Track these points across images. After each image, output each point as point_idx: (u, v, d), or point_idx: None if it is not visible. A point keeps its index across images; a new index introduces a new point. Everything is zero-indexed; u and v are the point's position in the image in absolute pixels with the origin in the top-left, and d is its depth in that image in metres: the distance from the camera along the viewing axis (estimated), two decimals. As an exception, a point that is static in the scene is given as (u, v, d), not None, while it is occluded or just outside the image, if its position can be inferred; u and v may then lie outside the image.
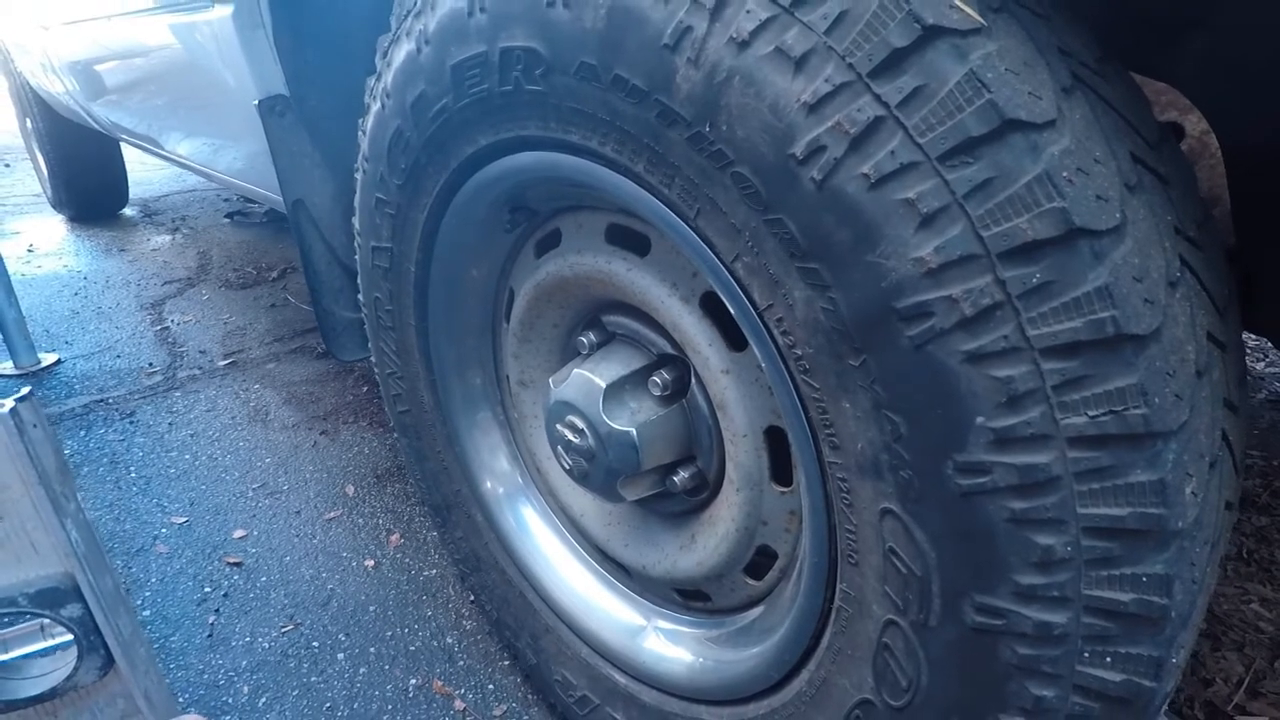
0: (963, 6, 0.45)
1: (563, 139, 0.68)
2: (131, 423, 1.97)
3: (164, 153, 2.23)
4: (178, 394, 2.11)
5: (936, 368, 0.47)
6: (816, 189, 0.49)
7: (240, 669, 1.22)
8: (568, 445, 0.86)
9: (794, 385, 0.58)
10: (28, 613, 0.36)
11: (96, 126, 2.75)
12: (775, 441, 0.74)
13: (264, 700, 1.16)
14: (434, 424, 1.09)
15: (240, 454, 1.82)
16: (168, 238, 3.51)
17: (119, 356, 2.33)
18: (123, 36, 1.82)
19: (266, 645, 1.27)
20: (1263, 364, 2.11)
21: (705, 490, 0.86)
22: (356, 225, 1.01)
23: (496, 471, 1.08)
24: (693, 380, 0.81)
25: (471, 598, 1.34)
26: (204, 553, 1.49)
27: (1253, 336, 2.06)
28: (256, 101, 1.13)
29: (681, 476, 0.84)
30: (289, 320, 2.57)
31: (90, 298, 2.79)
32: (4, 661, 0.36)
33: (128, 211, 3.90)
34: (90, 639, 0.37)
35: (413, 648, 1.25)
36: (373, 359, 1.14)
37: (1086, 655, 0.47)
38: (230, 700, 1.16)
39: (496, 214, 0.88)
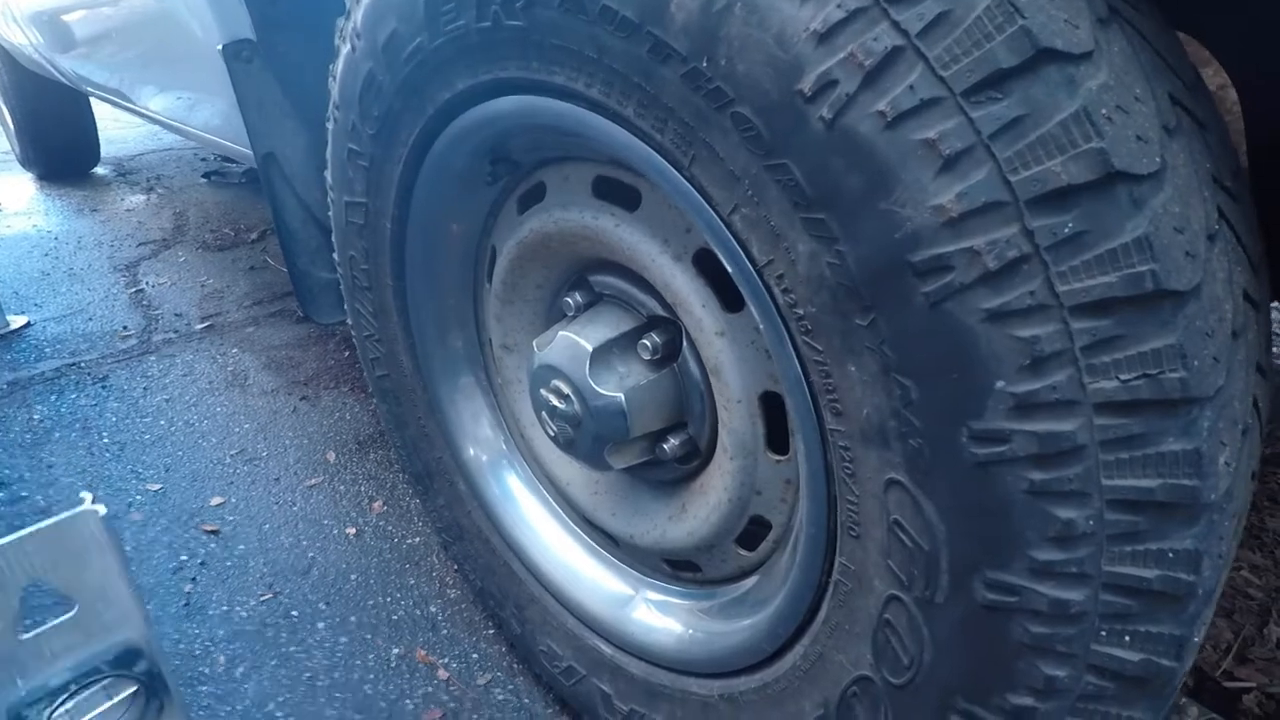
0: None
1: (546, 80, 0.63)
2: (104, 387, 1.91)
3: (134, 107, 2.12)
4: (153, 358, 2.05)
5: (954, 327, 0.43)
6: (826, 129, 0.44)
7: (217, 639, 1.19)
8: (553, 411, 0.82)
9: (794, 347, 0.54)
10: (109, 675, 0.41)
11: (63, 80, 2.63)
12: (771, 408, 0.70)
13: (241, 670, 1.14)
14: (414, 389, 1.04)
15: (218, 420, 1.77)
16: (142, 197, 3.40)
17: (91, 319, 2.26)
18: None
19: (244, 614, 1.23)
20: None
21: (697, 458, 0.82)
22: (329, 179, 0.95)
23: (479, 438, 1.04)
24: (684, 343, 0.77)
25: (455, 566, 1.31)
26: (180, 520, 1.45)
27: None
28: (220, 46, 1.06)
29: (672, 444, 0.81)
30: (268, 283, 2.50)
31: (61, 259, 2.70)
32: None
33: (100, 170, 3.77)
34: (155, 685, 0.43)
35: (395, 616, 1.23)
36: (349, 321, 1.09)
37: (1104, 634, 0.45)
38: (207, 670, 1.14)
39: (477, 165, 0.82)
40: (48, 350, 2.09)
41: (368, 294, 1.01)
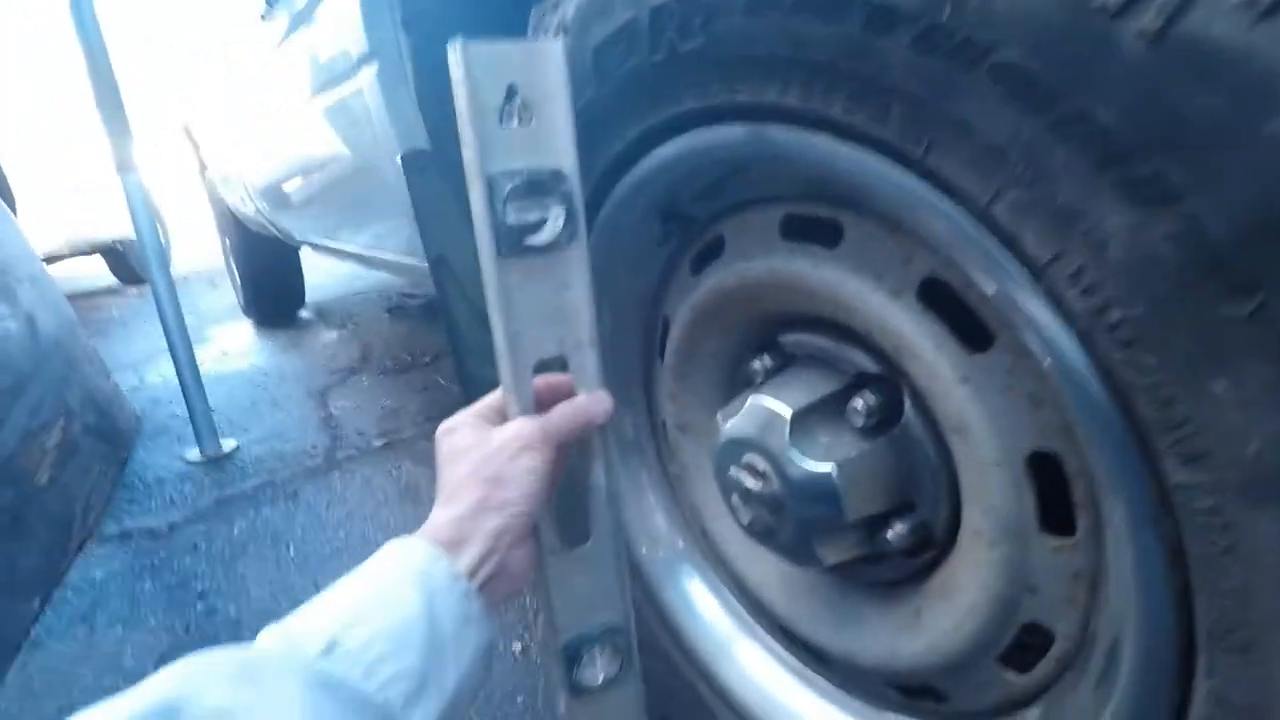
0: None
1: (728, 102, 0.56)
2: (294, 502, 2.02)
3: (341, 247, 2.35)
4: (336, 474, 2.15)
5: None
6: (1151, 47, 0.32)
7: (384, 766, 1.10)
8: (746, 494, 0.69)
9: (1104, 373, 0.40)
10: (547, 183, 0.50)
11: (280, 236, 3.04)
12: (1043, 474, 0.54)
13: (407, 805, 1.03)
14: (583, 482, 0.96)
15: (390, 531, 1.78)
16: (335, 334, 3.78)
17: (287, 441, 2.44)
18: (295, 144, 1.97)
19: (411, 739, 1.15)
20: None
21: (930, 549, 0.66)
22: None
23: (653, 535, 0.93)
24: (907, 403, 0.63)
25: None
26: (353, 634, 1.43)
27: None
28: (399, 156, 1.12)
29: (898, 531, 0.65)
30: (440, 400, 2.61)
31: (267, 389, 3.01)
32: (520, 223, 0.50)
33: (304, 314, 4.28)
34: (571, 210, 0.51)
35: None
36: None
37: None
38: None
39: (646, 225, 0.76)
40: (250, 470, 2.26)
41: (534, 382, 0.96)
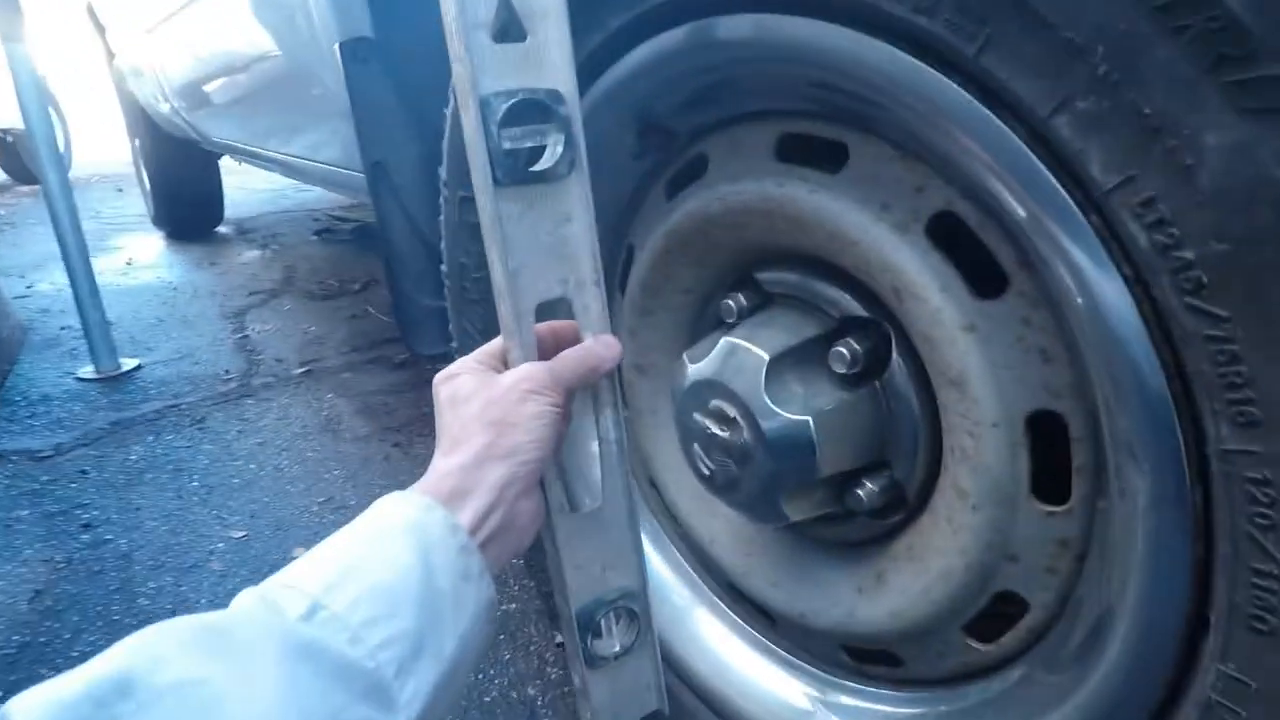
0: None
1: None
2: (201, 429, 1.86)
3: (268, 154, 2.13)
4: (250, 401, 2.00)
5: None
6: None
7: (288, 711, 1.03)
8: (710, 442, 0.63)
9: (1156, 322, 0.35)
10: (544, 105, 0.47)
11: (202, 143, 2.77)
12: (1038, 437, 0.50)
13: (312, 753, 0.96)
14: (525, 422, 0.88)
15: (308, 465, 1.67)
16: (257, 253, 3.53)
17: (197, 363, 2.26)
18: (219, 31, 1.76)
19: (320, 684, 1.07)
20: None
21: (899, 510, 0.62)
22: (444, 174, 0.83)
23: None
24: (894, 352, 0.58)
25: (558, 639, 1.12)
26: (260, 572, 1.32)
27: None
28: (338, 44, 0.98)
29: (869, 489, 0.60)
30: (368, 331, 2.46)
31: (177, 307, 2.78)
32: (516, 148, 0.47)
33: (222, 230, 3.97)
34: (570, 137, 0.49)
35: (487, 699, 1.04)
36: (454, 344, 0.96)
37: None
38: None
39: (620, 139, 0.68)
40: (152, 392, 2.08)
41: (477, 308, 0.87)
